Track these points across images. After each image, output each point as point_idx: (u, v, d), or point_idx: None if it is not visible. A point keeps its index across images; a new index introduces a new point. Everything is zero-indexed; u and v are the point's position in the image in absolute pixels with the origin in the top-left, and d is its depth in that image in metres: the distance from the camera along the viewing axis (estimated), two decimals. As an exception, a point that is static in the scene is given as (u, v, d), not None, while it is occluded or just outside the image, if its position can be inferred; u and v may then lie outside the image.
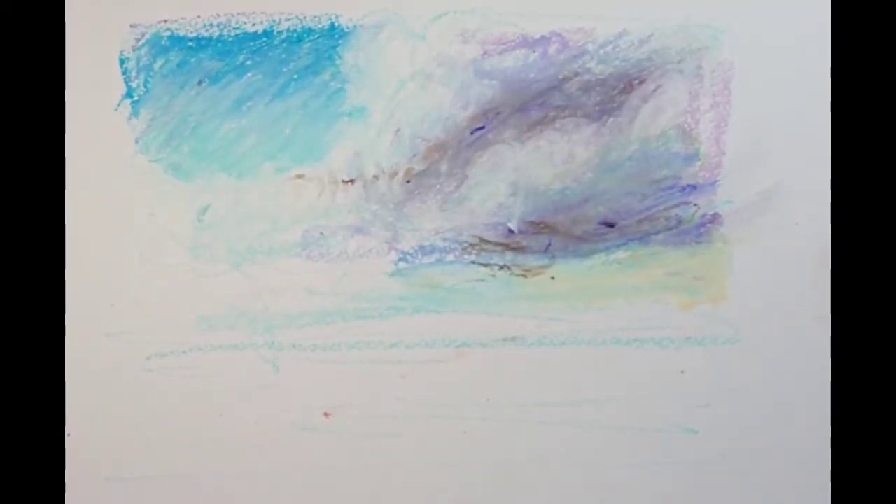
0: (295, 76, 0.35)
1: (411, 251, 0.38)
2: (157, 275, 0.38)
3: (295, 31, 0.34)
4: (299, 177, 0.37)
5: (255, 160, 0.36)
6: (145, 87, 0.35)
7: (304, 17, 0.34)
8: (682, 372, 0.40)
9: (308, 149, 0.36)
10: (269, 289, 0.38)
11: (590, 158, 0.37)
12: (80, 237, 0.36)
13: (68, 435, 0.39)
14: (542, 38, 0.35)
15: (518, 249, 0.38)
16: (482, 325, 0.39)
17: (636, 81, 0.36)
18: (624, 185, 0.38)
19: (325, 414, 0.41)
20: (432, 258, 0.38)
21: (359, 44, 0.35)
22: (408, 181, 0.37)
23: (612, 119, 0.37)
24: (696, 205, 0.38)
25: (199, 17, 0.34)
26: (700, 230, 0.39)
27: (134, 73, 0.34)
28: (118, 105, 0.35)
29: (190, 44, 0.34)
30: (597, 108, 0.36)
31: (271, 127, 0.36)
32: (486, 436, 0.41)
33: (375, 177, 0.37)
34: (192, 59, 0.34)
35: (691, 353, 0.40)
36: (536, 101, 0.36)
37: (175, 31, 0.34)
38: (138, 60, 0.34)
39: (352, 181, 0.37)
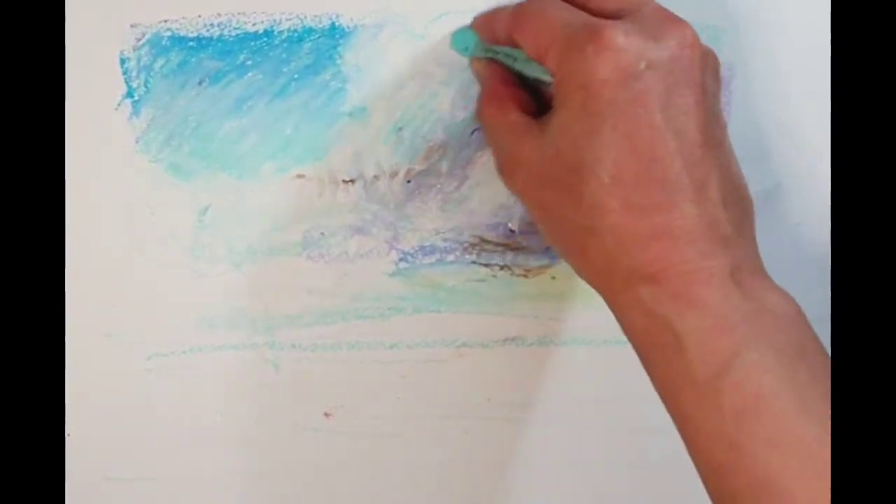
0: (295, 76, 0.35)
1: (412, 251, 0.38)
2: (157, 275, 0.38)
3: (295, 30, 0.34)
4: (299, 177, 0.37)
5: (256, 160, 0.36)
6: (146, 86, 0.35)
7: (305, 17, 0.34)
8: (682, 372, 0.40)
9: (308, 149, 0.36)
10: (269, 289, 0.38)
11: (590, 158, 0.37)
12: (80, 237, 0.36)
13: (68, 435, 0.39)
14: (543, 38, 0.35)
15: (518, 249, 0.38)
16: (482, 325, 0.39)
17: (636, 81, 0.36)
18: (624, 185, 0.38)
19: (326, 414, 0.41)
20: (433, 258, 0.38)
21: (359, 44, 0.35)
22: (408, 181, 0.37)
23: (612, 119, 0.37)
24: (696, 205, 0.38)
25: (199, 16, 0.34)
26: (700, 230, 0.39)
27: (134, 73, 0.34)
28: (118, 105, 0.35)
29: (190, 44, 0.34)
30: (597, 108, 0.36)
31: (272, 127, 0.36)
32: (486, 436, 0.41)
33: (376, 177, 0.37)
34: (193, 59, 0.34)
35: (691, 353, 0.40)
36: (537, 101, 0.36)
37: (175, 31, 0.34)
38: (139, 60, 0.34)
39: (352, 181, 0.37)
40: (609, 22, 0.29)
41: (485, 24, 0.34)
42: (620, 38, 0.28)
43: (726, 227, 0.29)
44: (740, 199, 0.30)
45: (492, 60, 0.34)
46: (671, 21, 0.30)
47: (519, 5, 0.32)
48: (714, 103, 0.30)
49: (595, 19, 0.29)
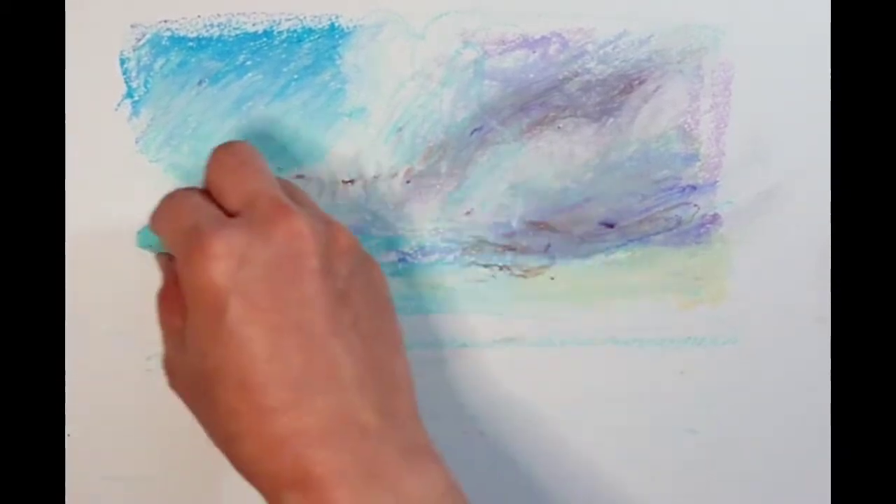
0: (295, 76, 0.35)
1: (412, 251, 0.38)
2: (157, 274, 0.38)
3: (295, 31, 0.34)
4: (299, 177, 0.37)
5: (256, 160, 0.36)
6: (146, 87, 0.35)
7: (305, 17, 0.34)
8: (682, 372, 0.41)
9: (308, 149, 0.36)
10: (269, 289, 0.38)
11: (590, 159, 0.37)
12: (80, 237, 0.36)
13: (68, 435, 0.39)
14: (543, 38, 0.35)
15: (518, 250, 0.38)
16: (482, 325, 0.39)
17: (636, 82, 0.36)
18: (624, 185, 0.38)
19: (325, 414, 0.41)
20: (433, 258, 0.38)
21: (359, 44, 0.35)
22: (408, 181, 0.37)
23: (612, 119, 0.37)
24: (696, 205, 0.38)
25: (199, 17, 0.34)
26: (700, 230, 0.39)
27: (134, 73, 0.34)
28: (118, 105, 0.35)
29: (190, 44, 0.34)
30: (597, 108, 0.36)
31: (271, 127, 0.36)
32: (486, 436, 0.41)
33: (375, 177, 0.37)
34: (193, 59, 0.34)
35: (691, 353, 0.40)
36: (536, 101, 0.36)
37: (175, 31, 0.34)
38: (138, 60, 0.34)
39: (352, 181, 0.37)
40: (217, 225, 0.28)
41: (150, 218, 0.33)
42: (222, 244, 0.28)
43: (364, 413, 0.28)
44: (385, 377, 0.30)
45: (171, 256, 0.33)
46: (280, 213, 0.29)
47: (161, 201, 0.32)
48: (346, 284, 0.30)
49: (208, 222, 0.29)
